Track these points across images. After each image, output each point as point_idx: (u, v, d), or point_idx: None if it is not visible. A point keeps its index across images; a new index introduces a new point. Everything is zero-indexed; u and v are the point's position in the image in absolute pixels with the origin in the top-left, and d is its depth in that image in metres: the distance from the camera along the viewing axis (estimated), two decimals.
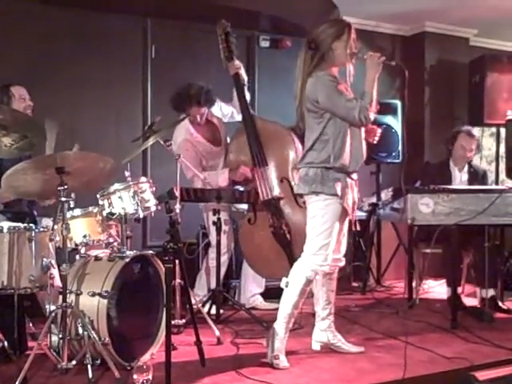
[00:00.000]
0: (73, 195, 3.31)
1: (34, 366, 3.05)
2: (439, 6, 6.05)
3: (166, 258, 2.94)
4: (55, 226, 3.39)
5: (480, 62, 6.33)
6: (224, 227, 4.43)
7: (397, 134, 5.77)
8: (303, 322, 3.78)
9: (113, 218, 3.61)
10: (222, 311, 4.35)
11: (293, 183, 4.36)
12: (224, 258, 4.51)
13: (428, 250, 4.61)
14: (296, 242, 4.23)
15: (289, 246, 4.29)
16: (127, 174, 3.66)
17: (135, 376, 2.62)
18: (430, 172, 5.16)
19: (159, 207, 3.67)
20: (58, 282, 3.33)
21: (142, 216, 3.67)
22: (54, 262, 3.32)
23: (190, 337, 3.53)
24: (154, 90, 5.56)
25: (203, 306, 4.29)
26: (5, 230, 3.16)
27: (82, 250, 3.55)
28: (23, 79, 4.12)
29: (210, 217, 4.52)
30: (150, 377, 2.62)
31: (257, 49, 6.05)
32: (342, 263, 3.55)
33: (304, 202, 3.53)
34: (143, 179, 3.76)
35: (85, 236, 3.57)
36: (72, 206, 3.45)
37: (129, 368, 3.12)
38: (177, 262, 3.68)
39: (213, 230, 4.43)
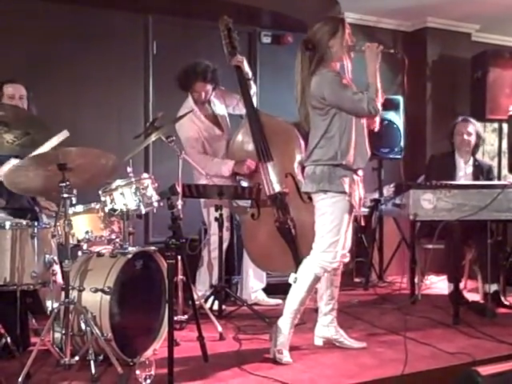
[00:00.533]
0: (75, 191, 3.32)
1: (37, 362, 3.05)
2: (441, 1, 6.03)
3: (168, 254, 2.94)
4: (57, 223, 3.40)
5: (482, 57, 6.31)
6: (225, 223, 4.45)
7: (399, 129, 5.76)
8: (305, 318, 3.78)
9: (115, 215, 3.61)
10: (224, 307, 4.36)
11: (297, 178, 4.37)
12: (215, 253, 4.50)
13: (430, 246, 4.60)
14: (300, 237, 4.25)
15: (293, 241, 4.29)
16: (129, 170, 3.66)
17: (138, 372, 2.62)
18: (436, 164, 5.17)
19: (161, 203, 3.67)
20: (60, 278, 3.33)
21: (144, 212, 3.67)
22: (56, 258, 3.32)
23: (192, 332, 3.55)
24: (155, 87, 5.56)
25: (205, 301, 4.30)
26: (7, 227, 3.16)
27: (84, 247, 3.56)
28: (24, 77, 4.12)
29: (211, 213, 4.52)
30: (153, 372, 2.62)
31: (258, 45, 6.04)
32: (347, 259, 3.56)
33: (309, 198, 3.53)
34: (145, 175, 3.77)
35: (87, 232, 3.57)
36: (74, 202, 3.46)
37: (131, 364, 3.12)
38: (179, 257, 3.71)
39: (214, 226, 4.43)
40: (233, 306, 4.49)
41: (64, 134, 3.49)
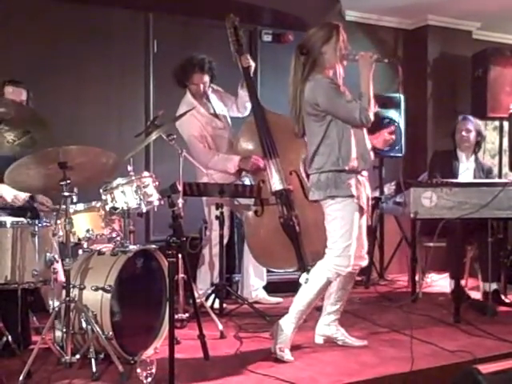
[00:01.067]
0: (75, 190, 3.32)
1: (38, 361, 3.06)
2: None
3: (169, 253, 2.94)
4: (58, 221, 3.40)
5: (483, 55, 6.30)
6: (226, 222, 4.46)
7: (399, 127, 5.75)
8: (307, 316, 3.78)
9: (116, 213, 3.61)
10: (224, 305, 4.36)
11: (302, 176, 4.38)
12: (216, 250, 4.51)
13: (431, 244, 4.60)
14: (304, 234, 4.25)
15: (297, 237, 4.30)
16: (130, 168, 3.66)
17: (139, 370, 2.62)
18: (439, 160, 5.23)
19: (162, 202, 3.67)
20: (61, 276, 3.33)
21: (144, 210, 3.67)
22: (57, 256, 3.33)
23: (193, 331, 3.54)
24: (156, 85, 5.55)
25: (206, 299, 4.31)
26: (8, 225, 3.16)
27: (85, 245, 3.56)
28: (24, 76, 4.12)
29: (212, 211, 4.53)
30: (154, 371, 2.63)
31: (259, 43, 6.03)
32: (365, 262, 3.54)
33: (316, 201, 3.52)
34: (146, 174, 3.77)
35: (88, 231, 3.58)
36: (75, 200, 3.46)
37: (132, 362, 3.13)
38: (180, 256, 3.71)
39: (215, 224, 4.44)
40: (233, 304, 4.50)
41: None
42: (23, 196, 3.72)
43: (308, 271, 3.51)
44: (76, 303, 3.14)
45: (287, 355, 3.33)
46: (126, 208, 3.57)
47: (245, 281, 4.79)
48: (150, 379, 2.61)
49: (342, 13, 6.21)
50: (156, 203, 3.70)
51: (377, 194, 5.75)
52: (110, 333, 3.13)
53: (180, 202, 3.92)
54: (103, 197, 3.62)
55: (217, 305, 4.33)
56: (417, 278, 4.93)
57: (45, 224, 3.31)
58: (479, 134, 5.16)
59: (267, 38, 6.09)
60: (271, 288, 4.83)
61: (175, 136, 4.17)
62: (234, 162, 4.53)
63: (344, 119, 3.34)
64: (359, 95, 3.34)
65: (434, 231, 4.17)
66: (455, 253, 4.40)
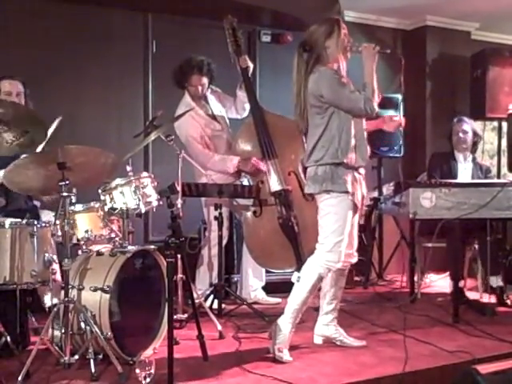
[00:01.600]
0: (74, 190, 3.31)
1: (37, 361, 3.04)
2: (440, 0, 6.04)
3: (168, 253, 2.94)
4: (57, 221, 3.40)
5: (481, 55, 6.31)
6: (225, 222, 4.46)
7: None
8: (305, 317, 3.78)
9: (114, 213, 3.60)
10: (223, 305, 4.36)
11: (300, 176, 4.38)
12: (215, 250, 4.52)
13: (430, 244, 4.61)
14: (302, 234, 4.26)
15: (296, 238, 4.30)
16: (129, 168, 3.66)
17: (137, 370, 2.62)
18: (437, 161, 5.24)
19: (161, 202, 3.67)
20: (59, 277, 3.33)
21: (143, 211, 3.66)
22: (55, 257, 3.33)
23: (192, 331, 3.54)
24: (155, 85, 5.56)
25: (205, 300, 4.30)
26: (7, 226, 3.16)
27: (84, 246, 3.55)
28: (24, 75, 4.12)
29: (211, 211, 4.53)
30: (153, 371, 2.63)
31: (258, 43, 6.04)
32: (355, 259, 3.55)
33: (311, 196, 3.53)
34: (145, 174, 3.77)
35: (87, 231, 3.57)
36: (74, 201, 3.46)
37: (131, 362, 3.12)
38: (179, 256, 3.71)
39: (214, 225, 4.44)
40: (232, 304, 4.50)
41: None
42: None
43: None
44: (75, 304, 3.13)
45: (286, 355, 3.33)
46: (124, 208, 3.56)
47: (244, 281, 4.80)
48: (148, 380, 2.61)
49: (340, 13, 6.21)
50: (155, 204, 3.69)
51: (376, 194, 5.76)
52: (109, 333, 3.12)
53: (179, 202, 3.92)
54: (102, 197, 3.61)
55: (216, 305, 4.32)
56: (415, 278, 4.94)
57: (43, 224, 3.31)
58: (476, 134, 5.21)
59: (266, 38, 6.10)
60: (270, 288, 4.83)
61: (174, 136, 4.17)
62: (233, 162, 4.53)
63: (348, 110, 3.35)
64: (363, 86, 3.36)
65: (432, 231, 4.17)
66: (454, 253, 4.41)
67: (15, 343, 3.20)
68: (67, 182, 3.12)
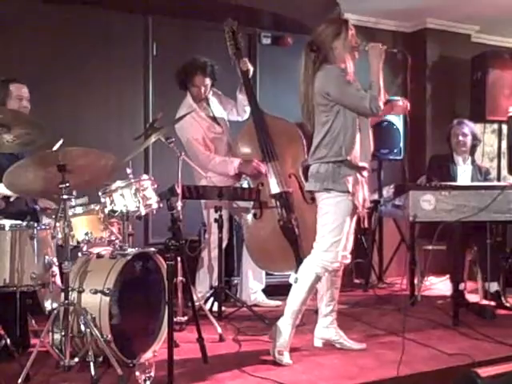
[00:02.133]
0: (74, 193, 3.31)
1: (37, 364, 3.04)
2: (441, 3, 6.04)
3: (168, 256, 2.94)
4: (57, 224, 3.40)
5: (482, 58, 6.31)
6: (225, 225, 4.46)
7: (398, 130, 5.77)
8: (305, 319, 3.78)
9: (115, 216, 3.61)
10: (223, 308, 4.36)
11: (301, 179, 4.39)
12: (215, 253, 4.51)
13: (430, 247, 4.61)
14: (302, 237, 4.26)
15: (296, 240, 4.30)
16: (129, 171, 3.66)
17: (137, 373, 2.62)
18: (437, 164, 5.25)
19: (161, 205, 3.67)
20: (59, 279, 3.33)
21: (143, 213, 3.67)
22: (55, 259, 3.32)
23: (192, 334, 3.54)
24: (155, 88, 5.55)
25: (205, 303, 4.30)
26: (7, 228, 3.15)
27: (84, 248, 3.55)
28: (24, 77, 4.12)
29: (211, 214, 4.53)
30: (152, 374, 2.63)
31: (258, 46, 6.04)
32: (348, 260, 3.56)
33: (311, 199, 3.54)
34: (145, 177, 3.77)
35: (87, 234, 3.57)
36: (73, 203, 3.45)
37: (131, 365, 3.12)
38: (179, 259, 3.70)
39: (214, 227, 4.43)
40: (232, 307, 4.50)
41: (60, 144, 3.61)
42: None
43: None
44: (75, 306, 3.13)
45: (286, 358, 3.33)
46: (124, 211, 3.57)
47: (244, 284, 4.79)
48: (148, 382, 2.61)
49: (340, 16, 6.21)
50: (155, 206, 3.70)
51: (376, 196, 5.75)
52: (109, 336, 3.12)
53: (179, 204, 3.92)
54: (102, 199, 3.62)
55: (216, 308, 4.32)
56: (416, 280, 4.93)
57: (43, 227, 3.30)
58: (475, 137, 5.21)
59: (266, 40, 6.10)
60: (270, 291, 4.83)
61: (174, 139, 4.17)
62: (234, 164, 4.54)
63: (354, 108, 3.36)
64: (369, 85, 3.36)
65: (432, 234, 4.17)
66: (454, 256, 4.40)
67: (15, 345, 3.19)
68: (67, 185, 3.12)
